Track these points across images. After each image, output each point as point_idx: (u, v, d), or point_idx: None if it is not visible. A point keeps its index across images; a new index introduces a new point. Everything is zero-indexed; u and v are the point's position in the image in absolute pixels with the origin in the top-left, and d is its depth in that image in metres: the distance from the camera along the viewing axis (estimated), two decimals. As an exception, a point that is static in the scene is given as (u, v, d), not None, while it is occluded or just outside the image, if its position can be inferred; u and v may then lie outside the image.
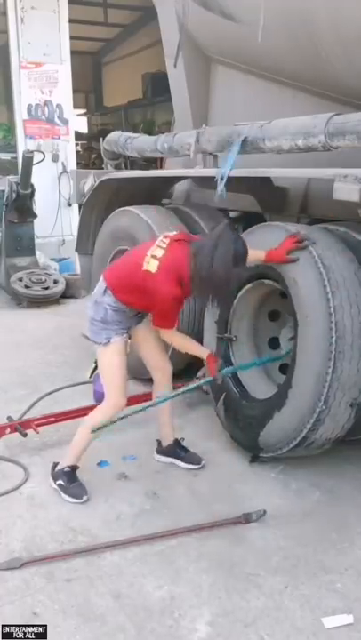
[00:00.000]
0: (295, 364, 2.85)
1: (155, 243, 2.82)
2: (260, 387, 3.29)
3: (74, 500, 2.87)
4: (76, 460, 2.96)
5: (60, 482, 2.93)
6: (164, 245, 2.76)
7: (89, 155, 13.61)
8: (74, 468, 2.95)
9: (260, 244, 2.98)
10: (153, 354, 3.09)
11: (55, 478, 2.97)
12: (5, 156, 8.33)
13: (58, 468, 2.98)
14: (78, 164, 9.18)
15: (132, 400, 3.64)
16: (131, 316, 2.91)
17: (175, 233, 2.92)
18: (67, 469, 2.94)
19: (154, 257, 2.73)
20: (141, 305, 2.86)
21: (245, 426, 3.17)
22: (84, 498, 2.87)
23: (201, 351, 3.01)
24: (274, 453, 3.04)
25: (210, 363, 2.94)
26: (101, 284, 2.88)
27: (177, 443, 3.23)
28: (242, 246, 2.66)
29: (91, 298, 3.00)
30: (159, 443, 3.28)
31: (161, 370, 3.11)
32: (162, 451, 3.26)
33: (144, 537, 2.61)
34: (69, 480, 2.93)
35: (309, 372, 2.76)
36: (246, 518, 2.69)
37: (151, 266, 2.71)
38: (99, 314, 2.84)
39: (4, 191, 6.85)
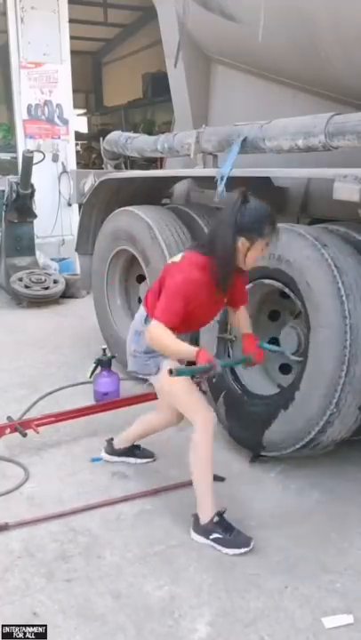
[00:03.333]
0: (306, 367, 2.85)
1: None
2: (259, 384, 3.29)
3: (244, 550, 2.50)
4: (214, 505, 2.59)
5: (217, 535, 2.53)
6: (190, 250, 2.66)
7: (89, 155, 13.62)
8: (221, 514, 2.58)
9: (272, 247, 2.97)
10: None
11: (207, 534, 2.56)
12: (5, 156, 8.32)
13: (203, 522, 2.58)
14: (78, 163, 9.18)
15: (130, 400, 3.65)
16: None
17: None
18: (217, 519, 2.56)
19: (180, 252, 2.65)
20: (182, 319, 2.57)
21: (249, 424, 3.17)
22: (252, 544, 2.52)
23: (189, 350, 2.50)
24: (278, 453, 3.04)
25: (202, 356, 2.44)
26: (141, 311, 2.70)
27: (135, 446, 3.22)
28: (251, 212, 2.42)
29: (131, 327, 2.77)
30: (110, 443, 3.21)
31: (170, 415, 2.94)
32: (115, 452, 3.20)
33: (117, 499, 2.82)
34: (226, 530, 2.55)
35: (322, 375, 2.76)
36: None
37: (176, 257, 2.61)
38: (142, 345, 2.63)
39: (3, 191, 6.86)
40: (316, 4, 3.18)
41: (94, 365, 3.98)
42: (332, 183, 2.67)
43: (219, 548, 2.52)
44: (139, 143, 4.64)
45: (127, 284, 4.65)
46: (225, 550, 2.50)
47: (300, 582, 2.35)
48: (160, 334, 2.43)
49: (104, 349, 4.09)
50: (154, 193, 4.74)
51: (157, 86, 11.55)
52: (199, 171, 4.08)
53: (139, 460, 3.21)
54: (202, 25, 4.17)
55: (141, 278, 4.37)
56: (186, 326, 2.58)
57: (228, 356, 3.31)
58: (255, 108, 4.03)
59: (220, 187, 3.24)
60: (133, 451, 3.21)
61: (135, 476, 3.12)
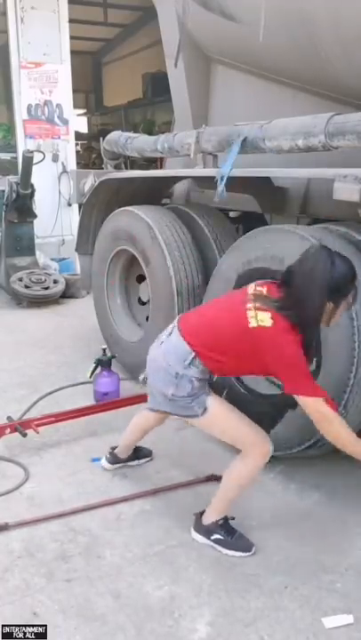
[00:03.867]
0: (320, 370, 2.83)
1: (244, 294, 2.39)
2: (262, 383, 3.28)
3: (244, 554, 2.50)
4: (227, 512, 2.58)
5: (218, 536, 2.53)
6: (261, 293, 2.34)
7: (89, 155, 13.62)
8: (226, 519, 2.58)
9: (273, 248, 2.99)
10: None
11: (209, 534, 2.56)
12: (5, 156, 8.32)
13: (207, 522, 2.57)
14: (78, 163, 9.18)
15: (130, 400, 3.65)
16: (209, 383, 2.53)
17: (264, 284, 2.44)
18: (221, 522, 2.56)
19: (259, 309, 2.28)
20: (239, 367, 2.48)
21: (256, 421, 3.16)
22: (253, 549, 2.52)
23: None
24: (283, 452, 3.03)
25: None
26: (183, 351, 2.39)
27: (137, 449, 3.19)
28: (341, 272, 2.25)
29: (166, 368, 2.43)
30: (114, 453, 3.14)
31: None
32: (119, 460, 3.15)
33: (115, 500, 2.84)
34: (228, 532, 2.55)
35: (330, 377, 2.76)
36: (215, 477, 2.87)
37: (262, 320, 2.25)
38: (184, 389, 2.40)
39: (3, 191, 6.86)
40: (317, 3, 3.18)
41: (94, 365, 3.98)
42: (332, 183, 2.67)
43: (219, 548, 2.52)
44: (139, 143, 4.64)
45: (127, 283, 4.65)
46: (225, 551, 2.51)
47: (300, 582, 2.36)
48: (346, 431, 2.28)
49: (104, 349, 4.09)
50: (154, 193, 4.74)
51: (157, 86, 11.55)
52: (199, 171, 4.07)
53: (141, 461, 3.21)
54: (202, 25, 4.17)
55: (141, 278, 4.37)
56: (235, 373, 2.70)
57: None
58: (255, 107, 4.03)
59: (220, 187, 3.23)
60: (135, 454, 3.21)
61: (135, 476, 3.12)
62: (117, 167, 5.25)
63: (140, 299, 4.56)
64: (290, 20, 3.37)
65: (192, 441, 3.37)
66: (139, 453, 3.21)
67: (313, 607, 2.23)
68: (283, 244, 3.00)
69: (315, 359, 2.67)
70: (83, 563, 2.47)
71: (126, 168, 5.86)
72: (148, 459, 3.24)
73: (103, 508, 2.84)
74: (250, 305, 2.30)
